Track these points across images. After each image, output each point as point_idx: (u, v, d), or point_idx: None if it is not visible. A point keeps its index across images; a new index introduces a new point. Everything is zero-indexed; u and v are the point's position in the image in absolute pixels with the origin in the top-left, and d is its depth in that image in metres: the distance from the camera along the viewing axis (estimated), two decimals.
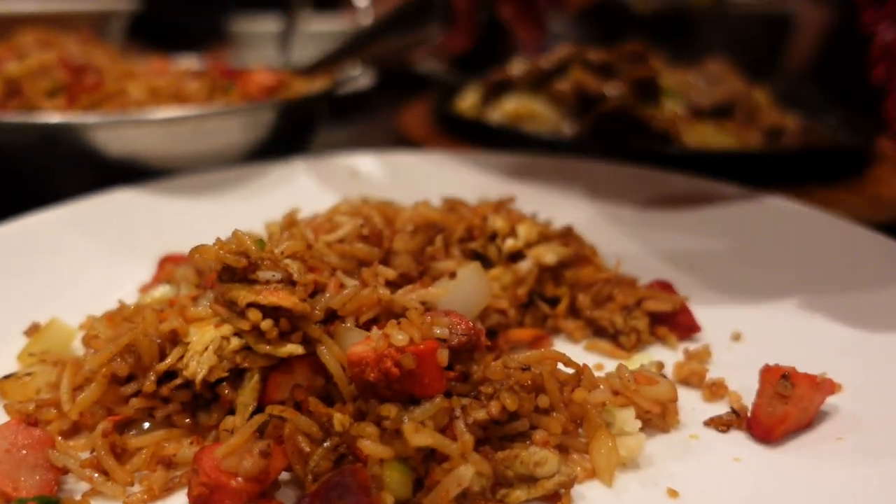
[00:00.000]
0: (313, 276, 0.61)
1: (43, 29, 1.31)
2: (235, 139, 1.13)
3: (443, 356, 0.55)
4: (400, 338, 0.54)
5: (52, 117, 0.98)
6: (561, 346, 0.77)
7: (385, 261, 0.73)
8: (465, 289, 0.70)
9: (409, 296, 0.67)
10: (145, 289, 0.84)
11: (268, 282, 0.59)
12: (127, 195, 0.99)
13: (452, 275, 0.70)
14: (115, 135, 1.01)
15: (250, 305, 0.57)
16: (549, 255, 0.79)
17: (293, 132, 1.25)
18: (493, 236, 0.82)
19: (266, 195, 1.10)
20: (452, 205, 0.88)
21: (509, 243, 0.80)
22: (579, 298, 0.79)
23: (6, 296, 0.77)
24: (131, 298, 0.80)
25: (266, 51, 1.92)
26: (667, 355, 0.74)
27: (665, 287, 0.81)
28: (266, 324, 0.57)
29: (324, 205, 1.07)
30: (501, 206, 0.85)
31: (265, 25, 2.20)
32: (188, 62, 1.52)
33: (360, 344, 0.56)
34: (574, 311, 0.80)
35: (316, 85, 1.25)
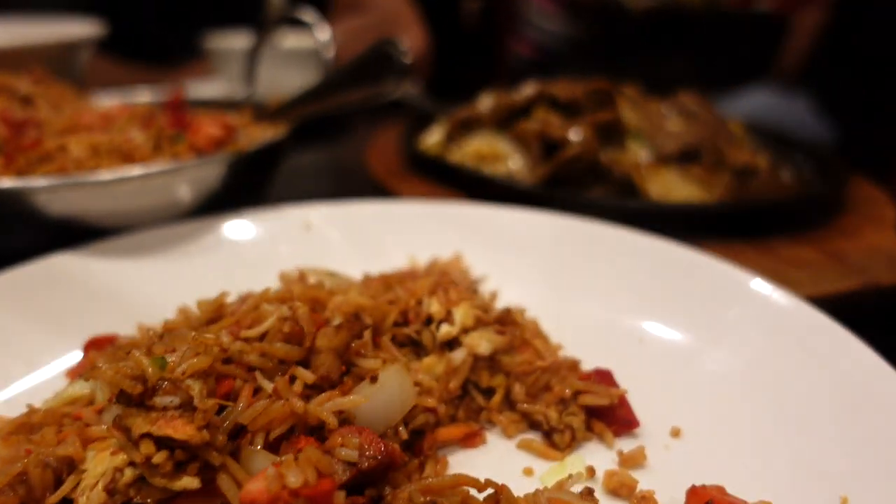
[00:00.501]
0: (214, 402, 0.58)
1: None
2: (183, 195, 1.09)
3: (339, 498, 0.52)
4: (293, 479, 0.51)
5: None
6: (494, 441, 0.74)
7: (307, 359, 0.70)
8: (387, 393, 0.67)
9: (325, 405, 0.64)
10: (73, 373, 0.82)
11: (165, 408, 0.56)
12: (62, 260, 0.96)
13: (374, 378, 0.67)
14: (55, 197, 0.98)
15: (144, 436, 0.55)
16: (483, 344, 0.76)
17: (246, 183, 1.22)
18: (428, 320, 0.79)
19: (212, 253, 1.07)
20: (388, 282, 0.85)
21: (444, 330, 0.77)
22: (515, 389, 0.76)
23: None
24: (58, 384, 0.78)
25: (238, 67, 1.87)
26: (601, 455, 0.71)
27: (605, 377, 0.78)
28: (159, 456, 0.54)
29: (272, 261, 1.06)
30: (438, 285, 0.82)
31: (238, 42, 2.16)
32: (144, 98, 1.49)
33: (255, 480, 0.53)
34: (510, 402, 0.77)
35: (268, 134, 1.21)
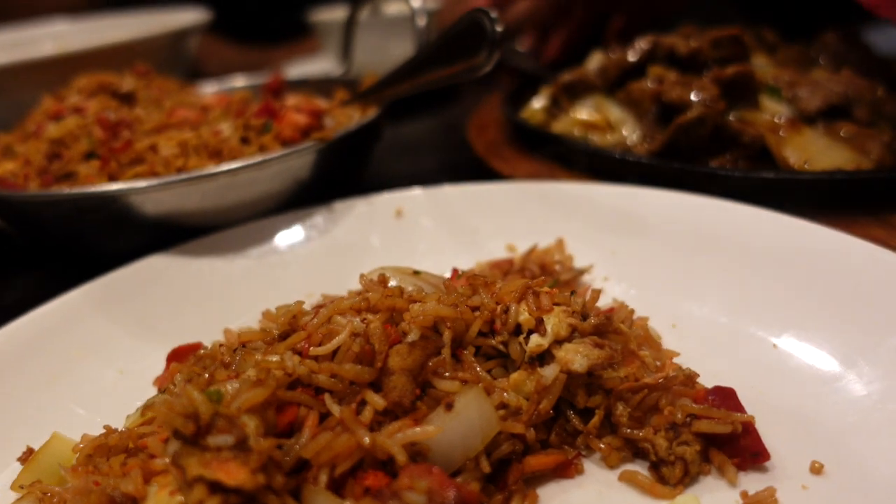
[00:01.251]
0: (271, 442, 0.53)
1: (98, 71, 1.30)
2: (272, 187, 1.07)
3: None
4: None
5: (83, 187, 0.97)
6: (592, 471, 0.65)
7: (379, 380, 0.64)
8: (464, 422, 0.60)
9: (396, 436, 0.58)
10: (161, 382, 0.82)
11: (219, 448, 0.52)
12: (155, 262, 0.97)
13: (449, 405, 0.60)
14: (146, 198, 0.98)
15: (197, 479, 0.51)
16: (578, 360, 0.66)
17: (339, 170, 1.17)
18: (517, 330, 0.71)
19: (300, 248, 1.04)
20: (475, 284, 0.77)
21: (534, 342, 0.68)
22: (617, 410, 0.66)
23: (18, 397, 0.77)
24: (148, 392, 0.78)
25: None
26: (722, 494, 0.60)
27: (727, 397, 0.66)
28: (213, 501, 0.50)
29: (363, 254, 1.01)
30: (528, 288, 0.73)
31: (341, 14, 2.12)
32: (243, 84, 1.48)
33: None
34: (612, 426, 0.67)
35: (356, 117, 1.15)
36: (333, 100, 1.26)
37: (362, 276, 0.82)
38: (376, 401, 0.61)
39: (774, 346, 0.76)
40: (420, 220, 1.08)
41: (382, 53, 1.95)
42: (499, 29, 1.01)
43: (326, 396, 0.62)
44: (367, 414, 0.61)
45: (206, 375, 0.64)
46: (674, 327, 0.83)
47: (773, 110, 1.12)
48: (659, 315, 0.84)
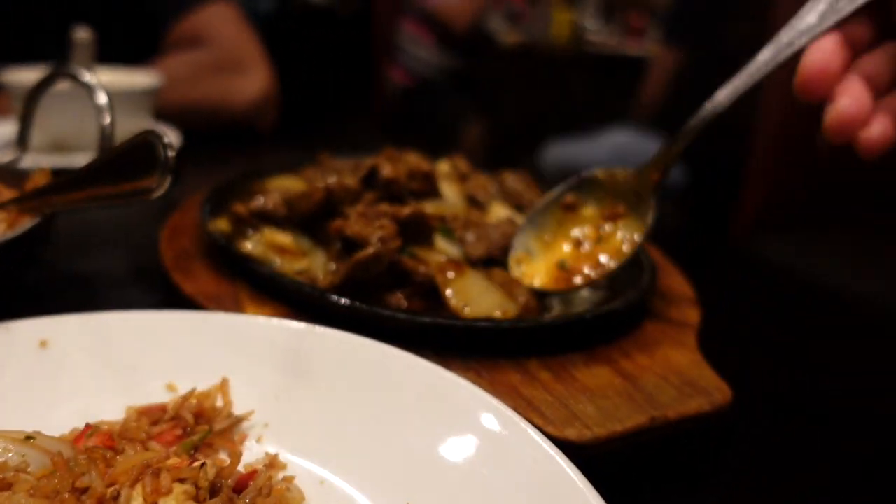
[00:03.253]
0: None
1: None
2: None
3: None
4: None
5: None
6: None
7: None
8: None
9: None
10: None
11: None
12: None
13: None
14: None
15: None
16: None
17: None
18: None
19: None
20: (92, 458, 0.69)
21: None
22: None
23: None
24: None
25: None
26: None
27: None
28: None
29: None
30: (148, 466, 0.68)
31: (33, 77, 1.90)
32: None
33: None
34: None
35: (3, 227, 1.02)
36: None
37: None
38: None
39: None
40: (70, 355, 0.96)
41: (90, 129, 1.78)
42: (171, 154, 0.97)
43: None
44: None
45: None
46: (322, 484, 0.83)
47: (446, 251, 1.22)
48: (308, 471, 0.84)
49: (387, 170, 1.32)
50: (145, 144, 0.99)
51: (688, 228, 3.58)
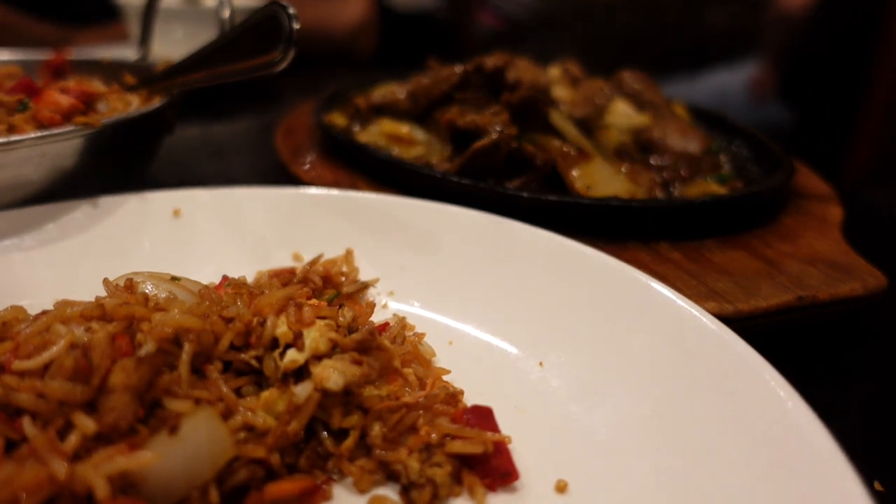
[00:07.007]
0: None
1: None
2: (25, 174, 0.93)
3: None
4: None
5: None
6: (342, 497, 0.61)
7: (97, 400, 0.55)
8: (189, 448, 0.53)
9: (102, 466, 0.50)
10: None
11: None
12: None
13: (173, 429, 0.53)
14: None
15: None
16: (334, 377, 0.62)
17: (113, 162, 1.05)
18: (274, 344, 0.65)
19: (53, 245, 0.91)
20: (236, 293, 0.70)
21: (288, 357, 0.63)
22: (373, 430, 0.63)
23: None
24: None
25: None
26: None
27: (483, 416, 0.65)
28: None
29: (129, 257, 0.90)
30: (290, 299, 0.68)
31: None
32: (10, 59, 1.30)
33: None
34: (367, 446, 0.64)
35: (135, 105, 1.04)
36: (112, 85, 1.13)
37: (106, 280, 0.73)
38: (86, 424, 0.53)
39: (541, 364, 0.77)
40: (200, 224, 0.99)
41: (193, 45, 1.82)
42: (296, 26, 0.96)
43: (25, 419, 0.53)
44: (74, 440, 0.52)
45: None
46: (450, 345, 0.82)
47: (565, 129, 1.16)
48: (437, 332, 0.82)
49: (490, 62, 1.27)
50: (270, 17, 0.98)
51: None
